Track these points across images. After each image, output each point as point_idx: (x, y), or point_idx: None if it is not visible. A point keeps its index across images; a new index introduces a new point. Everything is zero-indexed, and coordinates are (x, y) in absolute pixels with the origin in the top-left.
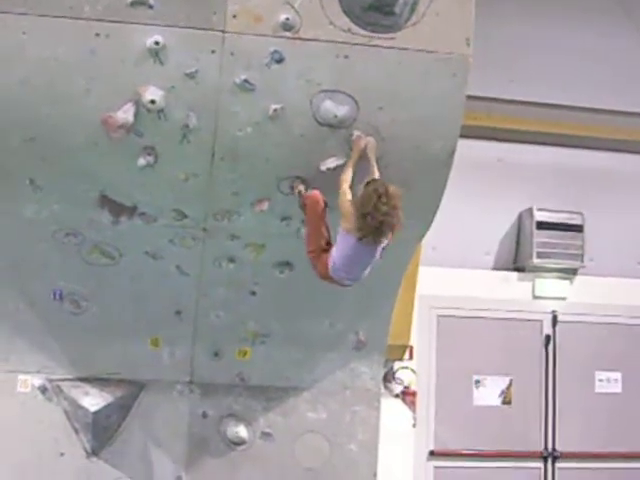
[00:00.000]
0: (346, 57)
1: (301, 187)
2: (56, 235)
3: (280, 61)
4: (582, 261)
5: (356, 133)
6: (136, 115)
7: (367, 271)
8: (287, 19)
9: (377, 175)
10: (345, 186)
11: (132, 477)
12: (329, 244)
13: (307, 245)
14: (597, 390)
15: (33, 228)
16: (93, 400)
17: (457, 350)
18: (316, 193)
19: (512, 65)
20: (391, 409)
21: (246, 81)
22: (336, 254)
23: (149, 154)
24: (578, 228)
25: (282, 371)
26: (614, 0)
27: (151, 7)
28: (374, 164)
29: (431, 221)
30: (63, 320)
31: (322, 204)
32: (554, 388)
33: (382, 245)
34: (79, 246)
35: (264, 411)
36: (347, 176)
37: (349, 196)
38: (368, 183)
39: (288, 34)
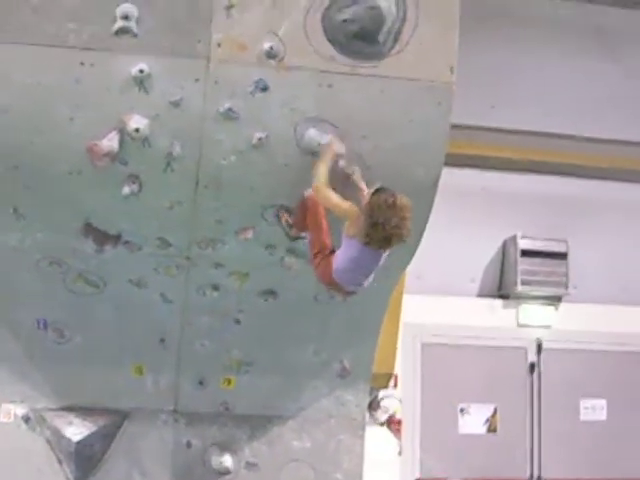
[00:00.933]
0: (329, 86)
1: (287, 217)
2: (40, 264)
3: (264, 89)
4: (566, 288)
5: (329, 137)
6: (121, 143)
7: (370, 278)
8: (271, 48)
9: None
10: (325, 190)
11: None
12: (333, 248)
13: (311, 250)
14: (582, 417)
15: (17, 256)
16: (76, 429)
17: (442, 378)
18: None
19: (494, 92)
20: (376, 437)
21: (230, 109)
22: (340, 257)
23: (133, 182)
24: (562, 256)
25: (267, 400)
26: (595, 27)
27: (135, 36)
28: (364, 189)
29: (415, 249)
30: (47, 349)
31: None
32: (539, 415)
33: (387, 252)
34: (63, 275)
35: (249, 440)
36: (322, 176)
37: (336, 198)
38: (376, 192)
39: (272, 62)
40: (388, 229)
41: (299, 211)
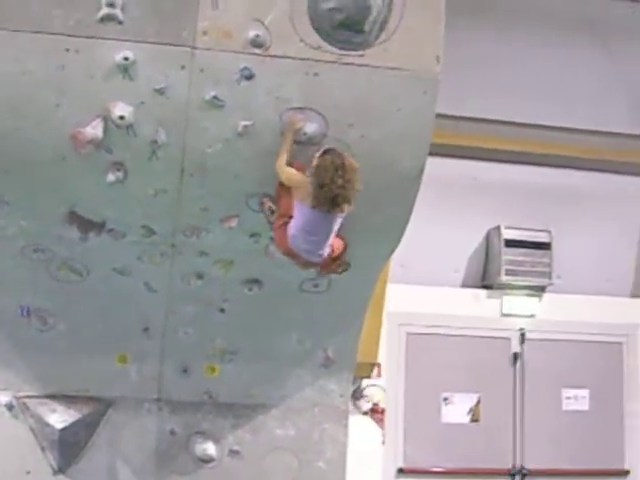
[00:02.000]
0: (316, 74)
1: (270, 204)
2: (24, 251)
3: (250, 78)
4: (550, 279)
5: (290, 113)
6: (105, 131)
7: (326, 247)
8: (257, 36)
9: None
10: (282, 168)
11: None
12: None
13: (276, 218)
14: (564, 407)
15: (0, 244)
16: (60, 417)
17: (425, 367)
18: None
19: (481, 83)
20: (360, 426)
21: (215, 97)
22: (293, 224)
23: (118, 170)
24: (546, 246)
25: (250, 388)
26: (583, 19)
27: (121, 23)
28: None
29: (400, 238)
30: (30, 337)
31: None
32: (522, 405)
33: (339, 217)
34: (47, 262)
35: (232, 428)
36: (283, 161)
37: (295, 173)
38: (324, 153)
39: (258, 51)
40: (334, 189)
41: (277, 188)
